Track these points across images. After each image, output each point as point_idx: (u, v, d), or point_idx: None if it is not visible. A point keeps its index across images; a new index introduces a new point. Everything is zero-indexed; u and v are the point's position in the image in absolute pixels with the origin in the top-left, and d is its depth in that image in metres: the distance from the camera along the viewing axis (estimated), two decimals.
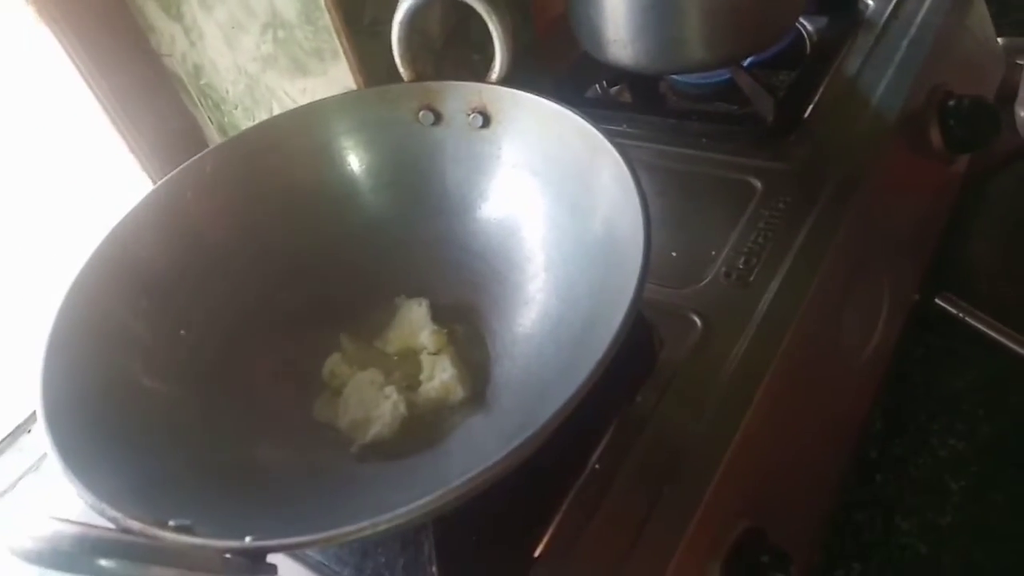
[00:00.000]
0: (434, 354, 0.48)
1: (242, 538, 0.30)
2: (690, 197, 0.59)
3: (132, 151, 0.77)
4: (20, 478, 0.73)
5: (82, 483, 0.33)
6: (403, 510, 0.30)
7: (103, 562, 0.25)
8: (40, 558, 0.25)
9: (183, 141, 0.79)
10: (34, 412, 0.80)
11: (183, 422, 0.40)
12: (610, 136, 0.43)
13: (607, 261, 0.42)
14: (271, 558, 0.32)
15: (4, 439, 0.76)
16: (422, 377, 0.47)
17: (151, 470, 0.37)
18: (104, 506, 0.32)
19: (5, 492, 0.73)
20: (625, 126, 0.64)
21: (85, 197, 0.75)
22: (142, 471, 0.37)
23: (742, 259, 0.51)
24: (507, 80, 0.51)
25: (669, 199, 0.58)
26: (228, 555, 0.30)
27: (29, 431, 0.76)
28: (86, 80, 0.73)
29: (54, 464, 0.34)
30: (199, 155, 0.48)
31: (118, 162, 0.77)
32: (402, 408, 0.46)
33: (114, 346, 0.40)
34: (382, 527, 0.30)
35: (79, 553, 0.25)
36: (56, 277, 0.43)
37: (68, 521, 0.26)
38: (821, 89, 0.62)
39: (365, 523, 0.30)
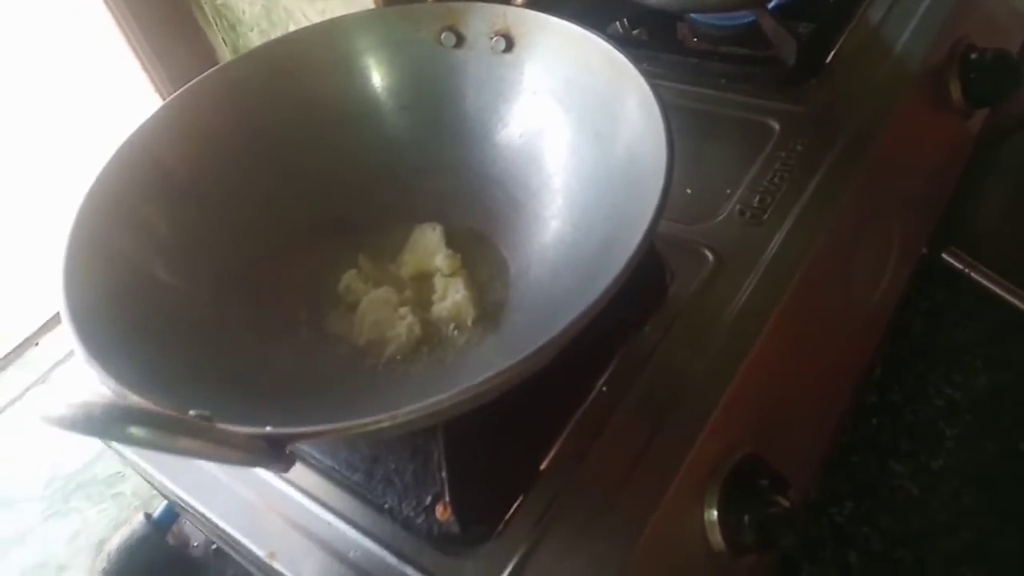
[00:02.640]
0: (448, 276, 0.49)
1: (261, 428, 0.31)
2: (708, 136, 0.59)
3: (144, 68, 0.76)
4: (27, 389, 0.74)
5: (105, 370, 0.34)
6: (419, 404, 0.31)
7: (133, 429, 0.25)
8: (73, 423, 0.25)
9: (196, 61, 0.79)
10: (40, 327, 0.80)
11: (200, 320, 0.41)
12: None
13: (626, 187, 0.42)
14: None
15: (11, 352, 0.77)
16: (435, 297, 0.48)
17: (169, 365, 0.38)
18: (126, 391, 0.33)
19: (12, 403, 0.74)
20: (646, 64, 0.63)
21: (98, 110, 0.75)
22: (160, 365, 0.37)
23: (757, 198, 0.51)
24: (531, 5, 0.51)
25: (687, 137, 0.58)
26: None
27: (36, 344, 0.77)
28: None
29: (76, 352, 0.35)
30: (222, 64, 0.48)
31: (131, 78, 0.76)
32: (417, 330, 0.46)
33: (135, 241, 0.40)
34: (400, 419, 0.30)
35: (111, 420, 0.25)
36: (61, 196, 0.43)
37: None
38: (844, 36, 0.62)
39: (383, 415, 0.31)
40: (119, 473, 0.67)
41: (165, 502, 0.61)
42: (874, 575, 0.50)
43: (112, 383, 0.33)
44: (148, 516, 0.61)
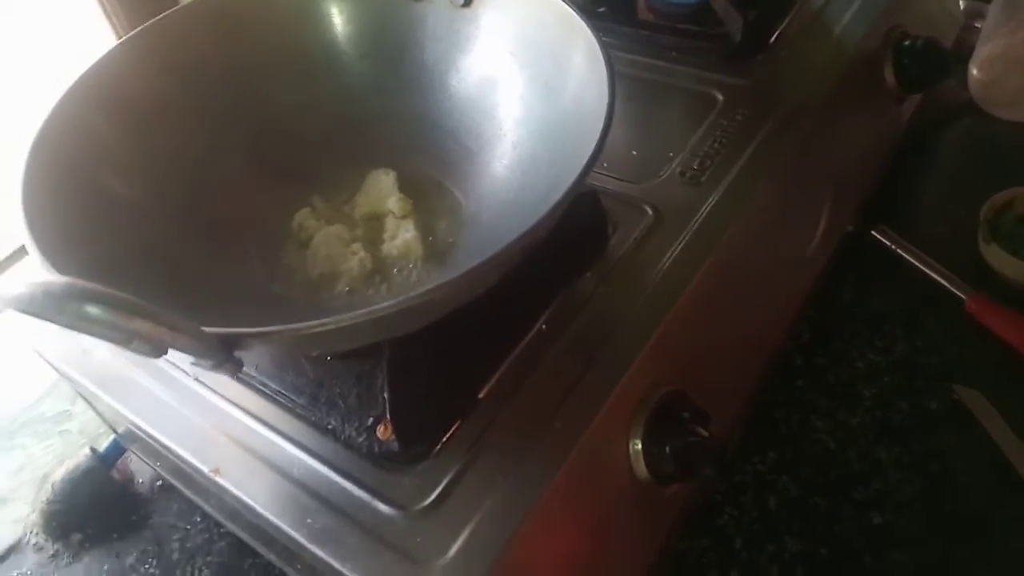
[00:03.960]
0: (400, 219, 0.51)
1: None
2: (656, 104, 0.61)
3: (106, 14, 0.77)
4: None
5: (61, 271, 0.35)
6: (365, 310, 0.32)
7: (90, 308, 0.27)
8: (31, 302, 0.26)
9: (158, 7, 0.79)
10: None
11: (157, 240, 0.42)
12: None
13: (571, 136, 0.44)
14: None
15: None
16: (385, 236, 0.50)
17: (124, 278, 0.39)
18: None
19: None
20: (601, 35, 0.66)
21: (57, 53, 0.75)
22: (115, 275, 0.39)
23: (697, 161, 0.54)
24: None
25: (637, 104, 0.61)
26: None
27: None
28: None
29: (31, 253, 0.36)
30: (187, 3, 0.49)
31: (92, 22, 0.76)
32: (368, 264, 0.48)
33: (95, 157, 0.42)
34: (345, 323, 0.32)
35: (69, 297, 0.27)
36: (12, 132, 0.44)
37: None
38: (789, 17, 0.65)
39: (329, 319, 0.32)
40: (66, 411, 0.68)
41: (112, 437, 0.62)
42: (790, 519, 0.54)
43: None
44: (94, 450, 0.61)
